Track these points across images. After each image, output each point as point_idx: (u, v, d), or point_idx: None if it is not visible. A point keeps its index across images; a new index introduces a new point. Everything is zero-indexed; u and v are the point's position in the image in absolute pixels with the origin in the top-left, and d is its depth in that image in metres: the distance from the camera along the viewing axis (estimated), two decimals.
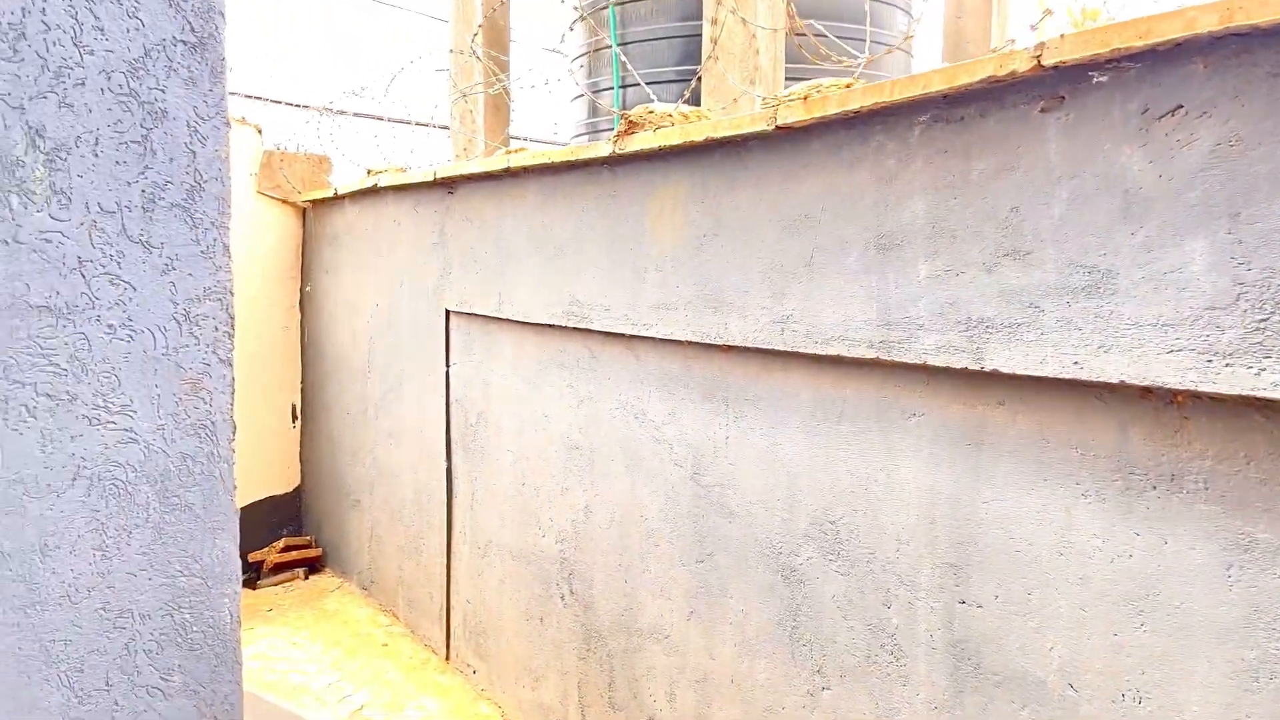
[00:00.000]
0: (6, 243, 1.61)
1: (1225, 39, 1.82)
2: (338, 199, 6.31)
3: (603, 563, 3.81)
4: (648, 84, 5.76)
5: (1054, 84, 2.11)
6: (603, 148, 3.48)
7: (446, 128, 8.36)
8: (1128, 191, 1.98)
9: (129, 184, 1.78)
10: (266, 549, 6.81)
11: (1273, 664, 1.87)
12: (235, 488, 2.00)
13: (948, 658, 2.44)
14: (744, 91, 4.02)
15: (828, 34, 4.43)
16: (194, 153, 1.88)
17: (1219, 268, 1.84)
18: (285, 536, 6.94)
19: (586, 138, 5.92)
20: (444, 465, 5.02)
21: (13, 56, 1.63)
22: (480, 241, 4.54)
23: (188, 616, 1.94)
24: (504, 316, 4.34)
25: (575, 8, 6.08)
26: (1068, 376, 2.09)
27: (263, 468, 6.92)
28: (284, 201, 6.86)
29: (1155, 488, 2.04)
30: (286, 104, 7.09)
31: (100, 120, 1.74)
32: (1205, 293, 1.86)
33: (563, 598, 4.08)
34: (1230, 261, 1.82)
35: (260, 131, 6.82)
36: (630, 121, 3.32)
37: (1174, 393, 1.98)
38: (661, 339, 3.38)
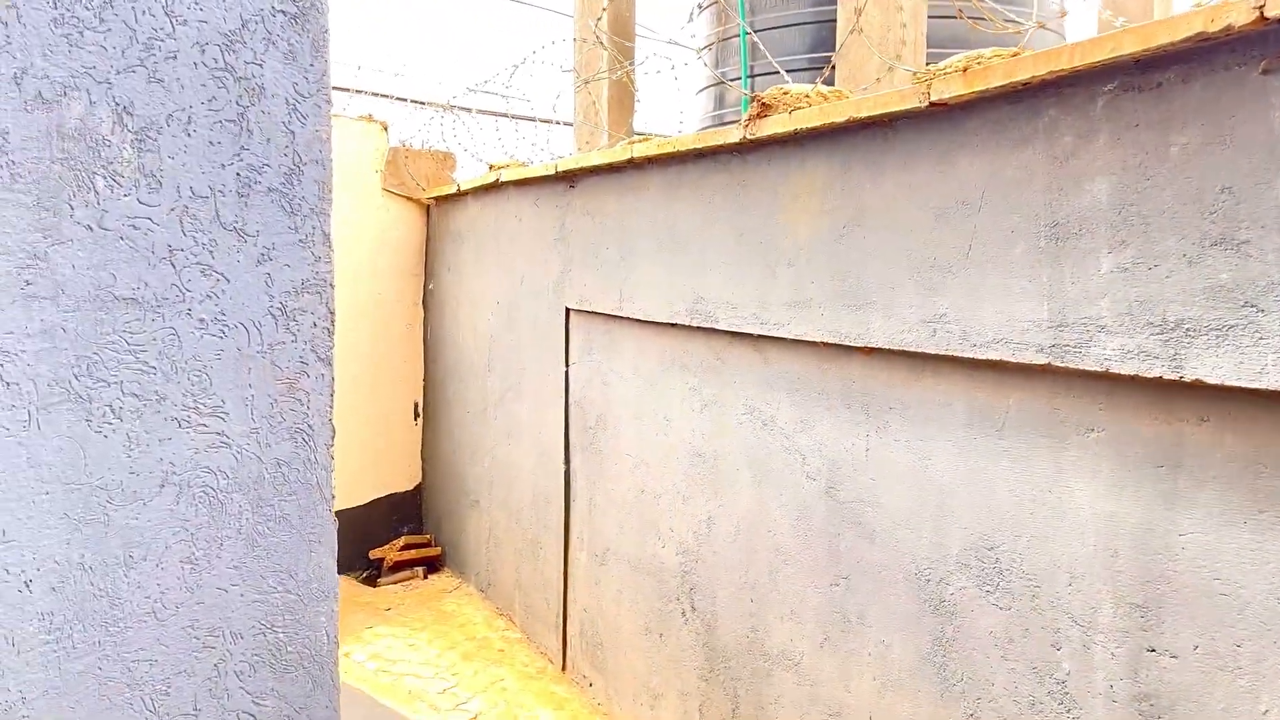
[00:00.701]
0: (91, 229, 1.49)
1: None
2: (460, 195, 6.25)
3: (727, 579, 3.56)
4: (776, 74, 5.49)
5: (1279, 40, 1.76)
6: (732, 133, 3.24)
7: (570, 124, 8.25)
8: None
9: (223, 166, 1.64)
10: (387, 546, 6.81)
11: None
12: (333, 497, 1.84)
13: (1132, 714, 2.11)
14: (885, 73, 3.71)
15: (963, 16, 4.08)
16: (293, 133, 1.73)
17: None
18: (405, 534, 6.93)
19: (713, 130, 5.68)
20: (562, 468, 4.86)
21: (99, 26, 1.49)
22: (601, 237, 4.35)
23: (282, 636, 1.79)
24: (625, 315, 4.15)
25: None
26: None
27: (384, 465, 6.93)
28: (408, 198, 6.85)
29: None
30: (412, 101, 7.08)
31: (193, 97, 1.60)
32: None
33: (683, 613, 3.85)
34: None
35: (386, 129, 6.82)
36: (763, 104, 3.07)
37: None
38: (794, 340, 3.12)
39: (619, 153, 4.01)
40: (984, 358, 2.37)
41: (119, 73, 1.52)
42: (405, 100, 7.04)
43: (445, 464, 6.66)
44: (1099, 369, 2.09)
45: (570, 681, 4.92)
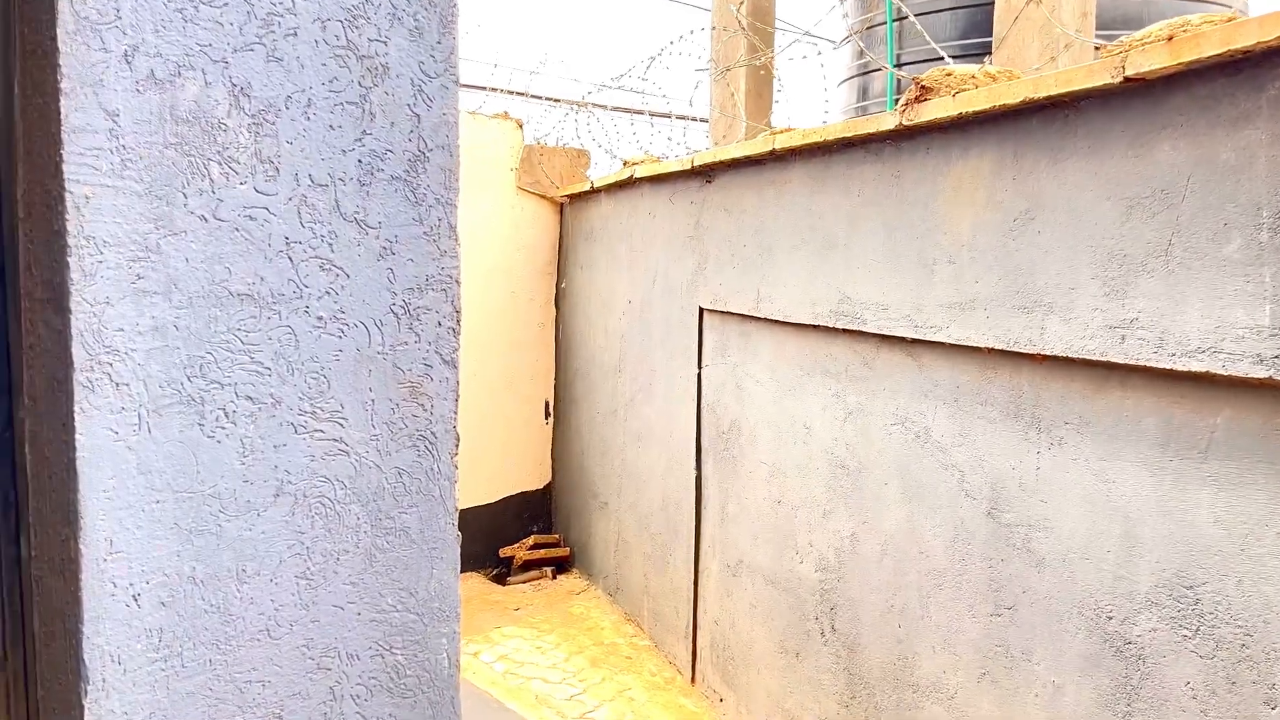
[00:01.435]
0: (205, 220, 1.38)
1: None
2: (594, 192, 6.14)
3: (871, 600, 3.31)
4: (924, 62, 5.17)
5: None
6: (886, 119, 2.99)
7: (705, 120, 8.07)
8: None
9: (344, 152, 1.52)
10: (517, 545, 6.78)
11: None
12: (456, 510, 1.71)
13: None
14: (1048, 62, 3.39)
15: None
16: (418, 116, 1.59)
17: None
18: (534, 533, 6.88)
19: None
20: (693, 474, 4.68)
21: (214, 0, 1.39)
22: (738, 233, 4.15)
23: (400, 659, 1.66)
24: (762, 315, 3.93)
25: None
26: None
27: (515, 463, 6.90)
28: (542, 197, 6.80)
29: None
30: (547, 99, 7.03)
31: (313, 77, 1.49)
32: None
33: (823, 633, 3.61)
34: None
35: (521, 126, 6.78)
36: (923, 87, 2.81)
37: None
38: (953, 344, 2.85)
39: (759, 144, 3.80)
40: (1186, 369, 2.06)
41: (236, 51, 1.41)
42: (540, 98, 6.99)
43: (575, 464, 6.57)
44: None
45: (700, 695, 4.73)
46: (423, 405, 1.64)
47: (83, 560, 1.31)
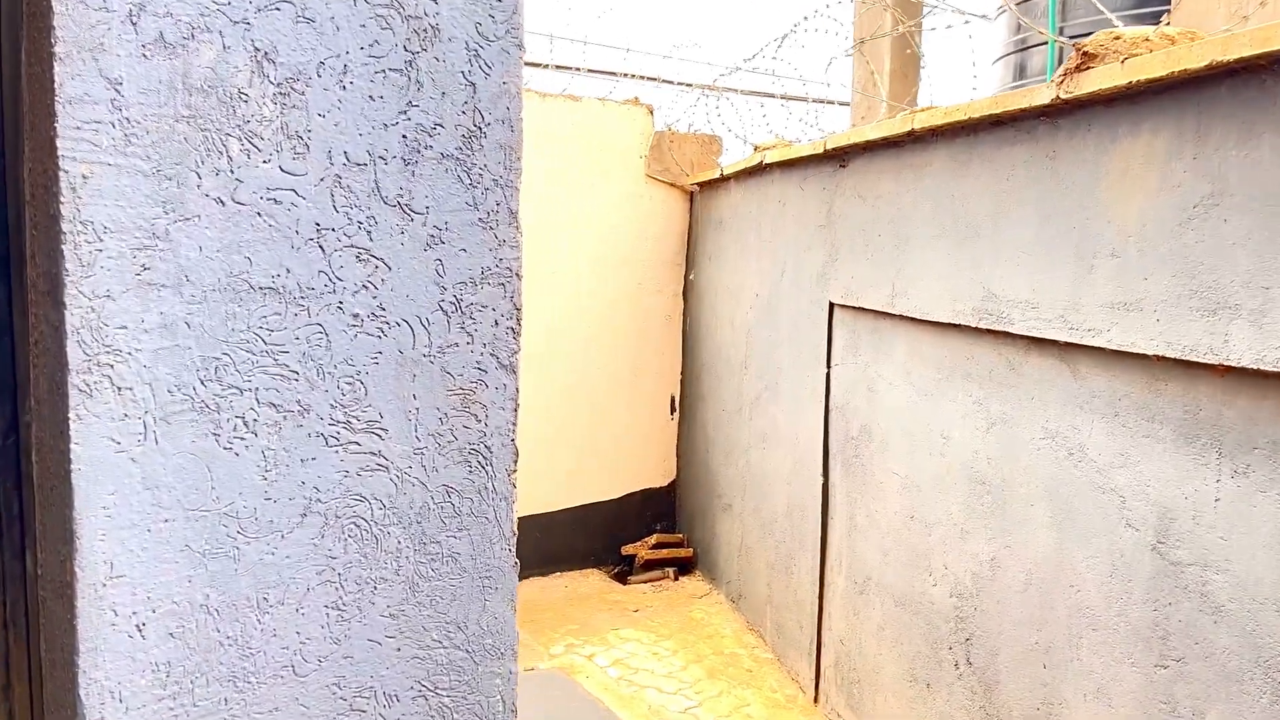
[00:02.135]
0: (222, 203, 1.21)
1: None
2: (723, 180, 5.88)
3: (1012, 635, 2.95)
4: (1086, 35, 4.69)
5: None
6: (1041, 93, 2.63)
7: (846, 103, 7.68)
8: None
9: (385, 127, 1.32)
10: (639, 543, 6.60)
11: None
12: (514, 534, 1.50)
13: None
14: (1247, 13, 2.93)
15: None
16: (473, 85, 1.39)
17: None
18: (657, 532, 6.69)
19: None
20: (819, 480, 4.37)
21: None
22: (873, 222, 3.82)
23: (447, 701, 1.47)
24: (897, 312, 3.60)
25: None
26: None
27: (638, 459, 6.72)
28: (672, 185, 6.58)
29: None
30: (679, 83, 6.80)
31: (349, 41, 1.30)
32: None
33: (956, 665, 3.27)
34: None
35: (652, 112, 6.58)
36: (1085, 54, 2.44)
37: None
38: (1114, 350, 2.48)
39: (897, 124, 3.47)
40: None
41: (259, 10, 1.23)
42: (671, 82, 6.77)
43: (700, 462, 6.35)
44: None
45: (823, 717, 4.43)
46: (476, 415, 1.43)
47: (78, 584, 1.16)
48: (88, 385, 1.14)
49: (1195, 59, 2.09)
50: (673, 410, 6.81)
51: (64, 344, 1.13)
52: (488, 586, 1.48)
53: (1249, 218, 2.04)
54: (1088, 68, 2.44)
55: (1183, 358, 2.23)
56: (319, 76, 1.27)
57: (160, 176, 1.17)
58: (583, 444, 6.46)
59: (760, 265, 5.21)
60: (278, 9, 1.24)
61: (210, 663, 1.27)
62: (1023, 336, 2.88)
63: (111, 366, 1.16)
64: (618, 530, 6.66)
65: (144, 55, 1.16)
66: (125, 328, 1.16)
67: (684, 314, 6.72)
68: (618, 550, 6.63)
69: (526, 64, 6.10)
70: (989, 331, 3.05)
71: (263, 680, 1.31)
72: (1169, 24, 3.28)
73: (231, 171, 1.21)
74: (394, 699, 1.42)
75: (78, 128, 1.12)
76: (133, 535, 1.20)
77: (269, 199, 1.24)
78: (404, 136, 1.33)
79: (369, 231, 1.32)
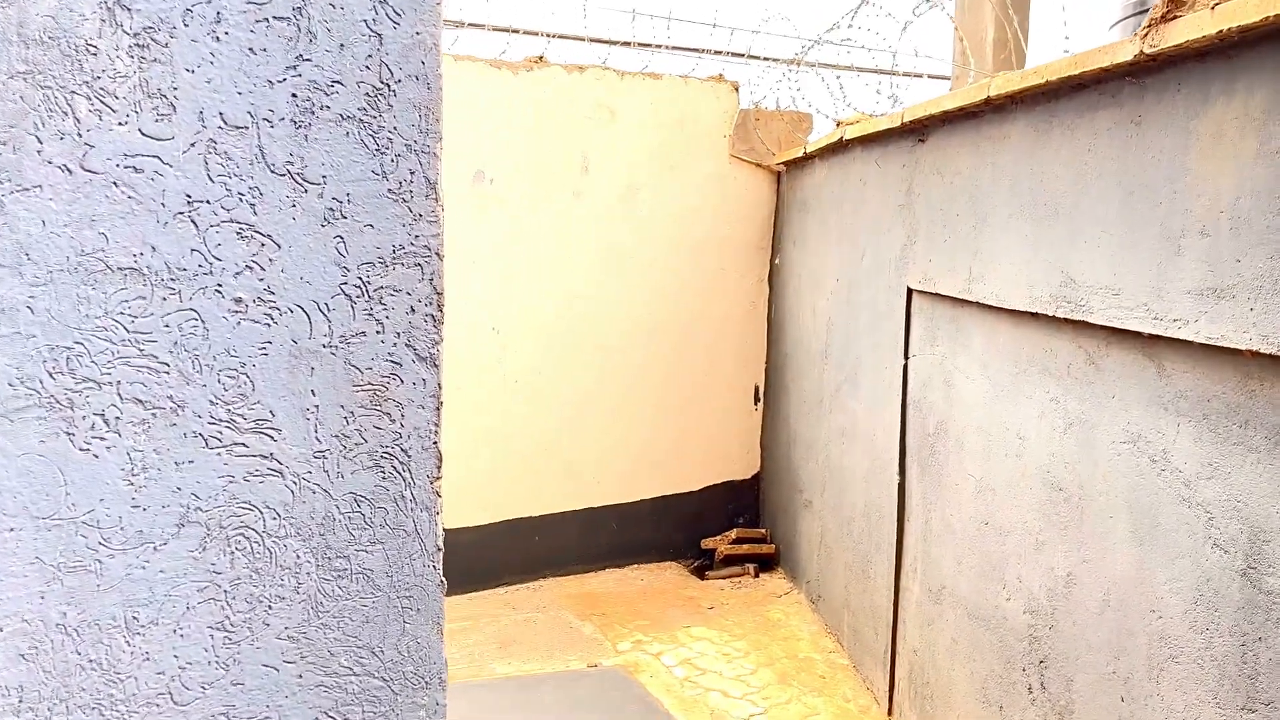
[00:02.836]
0: (69, 171, 1.07)
1: None
2: (808, 159, 5.59)
3: (1089, 661, 2.64)
4: None
5: None
6: (1123, 49, 2.30)
7: (946, 77, 7.23)
8: None
9: (270, 84, 1.16)
10: (719, 537, 6.39)
11: None
12: (440, 549, 1.32)
13: None
14: None
15: None
16: (379, 36, 1.21)
17: None
18: (739, 527, 6.46)
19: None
20: (896, 479, 4.08)
21: None
22: (950, 200, 3.50)
23: None
24: (973, 299, 3.28)
25: None
26: None
27: (720, 450, 6.49)
28: (757, 165, 6.31)
29: None
30: (765, 59, 6.50)
31: None
32: None
33: (1030, 689, 2.96)
34: None
35: (737, 89, 6.32)
36: (1171, 0, 2.11)
37: None
38: (1203, 344, 2.15)
39: (972, 92, 3.15)
40: None
41: None
42: (758, 58, 6.48)
43: (782, 455, 6.08)
44: None
45: None
46: (388, 415, 1.26)
47: None
48: None
49: None
50: (756, 400, 6.56)
51: None
52: (408, 607, 1.31)
53: None
54: (1174, 17, 2.11)
55: None
56: (185, 26, 1.11)
57: None
58: (661, 434, 6.27)
59: (841, 249, 4.92)
60: None
61: (70, 688, 1.13)
62: (1103, 327, 2.55)
63: None
64: (698, 523, 6.46)
65: None
66: None
67: (769, 301, 6.45)
68: (697, 544, 6.43)
69: (604, 41, 5.91)
70: (1068, 321, 2.72)
71: (134, 709, 1.17)
72: None
73: (79, 135, 1.07)
74: None
75: None
76: None
77: (127, 167, 1.09)
78: (294, 95, 1.16)
79: (252, 204, 1.16)
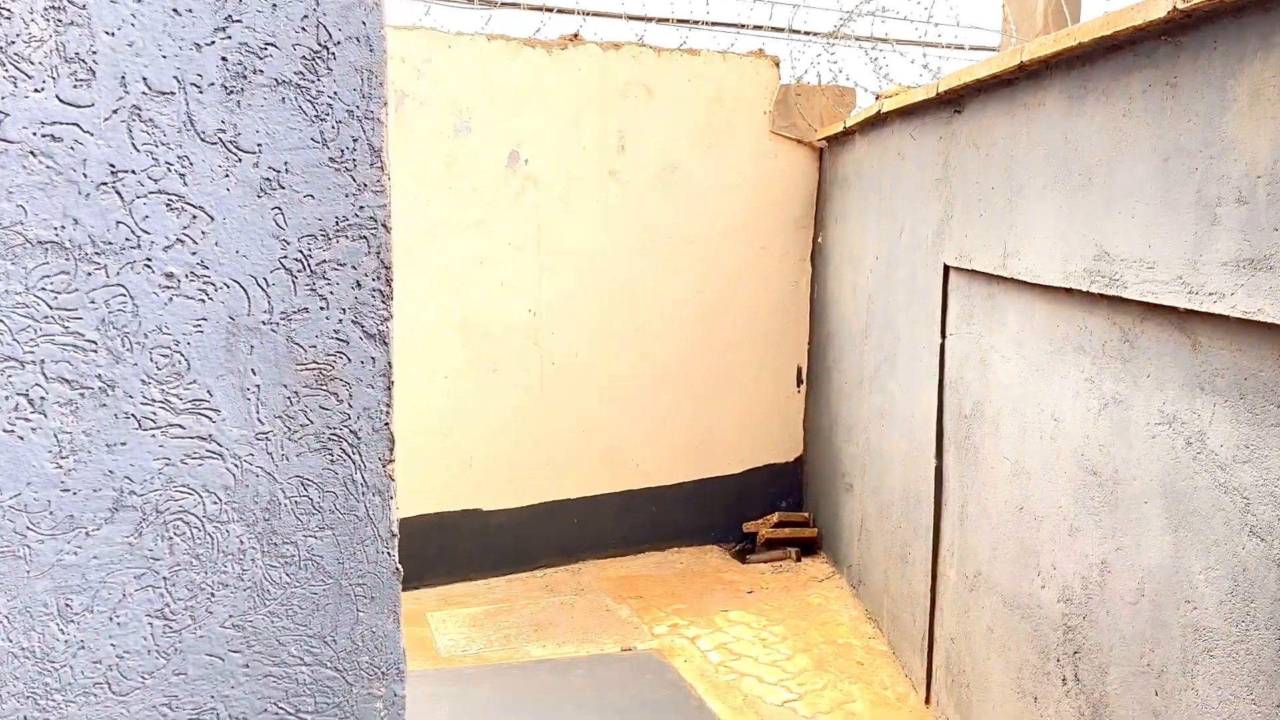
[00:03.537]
0: None
1: None
2: (848, 134, 5.45)
3: (1122, 654, 2.52)
4: None
5: None
6: (1156, 5, 2.16)
7: (993, 49, 6.99)
8: None
9: (198, 47, 1.11)
10: (761, 521, 6.30)
11: None
12: (395, 534, 1.27)
13: None
14: None
15: None
16: None
17: None
18: (782, 510, 6.36)
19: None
20: (933, 463, 3.95)
21: None
22: (985, 173, 3.36)
23: None
24: (1008, 275, 3.15)
25: None
26: None
27: (762, 432, 6.40)
28: (799, 141, 6.17)
29: None
30: (806, 33, 6.35)
31: None
32: None
33: (1064, 680, 2.84)
34: None
35: (777, 65, 6.18)
36: None
37: None
38: (1240, 318, 2.01)
39: (1006, 58, 3.01)
40: None
41: None
42: (799, 32, 6.32)
43: (825, 439, 5.97)
44: None
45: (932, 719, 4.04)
46: (335, 395, 1.21)
47: None
48: None
49: None
50: (799, 382, 6.44)
51: None
52: (361, 595, 1.26)
53: None
54: None
55: None
56: None
57: None
58: (702, 416, 6.19)
59: (880, 225, 4.78)
60: None
61: (2, 676, 1.10)
62: (1137, 303, 2.41)
63: None
64: (740, 506, 6.38)
65: None
66: None
67: (812, 280, 6.32)
68: (739, 528, 6.35)
69: (641, 18, 5.80)
70: (1102, 297, 2.59)
71: (70, 698, 1.14)
72: None
73: None
74: None
75: None
76: None
77: (45, 135, 1.05)
78: (224, 59, 1.11)
79: (182, 175, 1.11)
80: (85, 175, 1.07)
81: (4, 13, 1.03)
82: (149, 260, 1.10)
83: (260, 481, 1.19)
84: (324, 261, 1.18)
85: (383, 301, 1.22)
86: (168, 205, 1.11)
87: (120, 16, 1.07)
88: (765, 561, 6.07)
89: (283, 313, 1.17)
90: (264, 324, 1.16)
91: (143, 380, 1.12)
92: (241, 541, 1.19)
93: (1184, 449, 2.26)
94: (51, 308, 1.07)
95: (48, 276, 1.07)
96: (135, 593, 1.15)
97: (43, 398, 1.08)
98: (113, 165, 1.08)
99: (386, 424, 1.24)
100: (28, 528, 1.09)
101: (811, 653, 4.77)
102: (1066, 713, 2.83)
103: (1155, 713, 2.37)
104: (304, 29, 1.14)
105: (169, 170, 1.10)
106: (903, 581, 4.45)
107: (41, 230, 1.06)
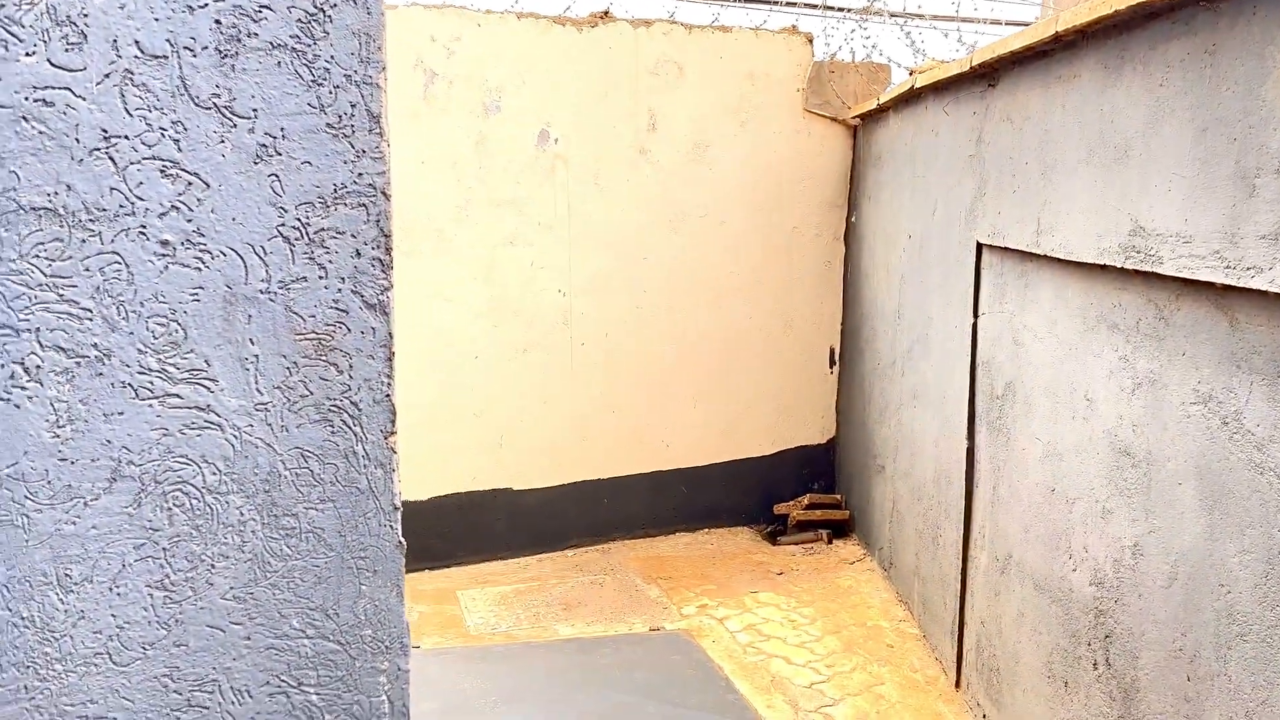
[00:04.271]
0: None
1: None
2: (882, 111, 5.36)
3: (1155, 638, 2.46)
4: None
5: None
6: None
7: (1030, 24, 6.83)
8: None
9: (191, 10, 1.09)
10: (792, 502, 6.26)
11: None
12: (398, 508, 1.26)
13: None
14: None
15: None
16: None
17: None
18: (811, 492, 6.32)
19: None
20: (964, 444, 3.89)
21: None
22: (1019, 148, 3.29)
23: (315, 699, 1.26)
24: (1041, 252, 3.08)
25: None
26: None
27: (793, 414, 6.35)
28: (832, 119, 6.08)
29: None
30: (840, 9, 6.24)
31: None
32: None
33: (1095, 665, 2.79)
34: None
35: (811, 41, 6.08)
36: None
37: None
38: (1278, 294, 1.94)
39: (1041, 29, 2.93)
40: None
41: None
42: (832, 8, 6.23)
43: (857, 420, 5.91)
44: None
45: (962, 705, 3.99)
46: (335, 365, 1.20)
47: None
48: None
49: None
50: (832, 363, 6.38)
51: None
52: (363, 569, 1.25)
53: None
54: None
55: None
56: None
57: None
58: (733, 397, 6.16)
59: (913, 203, 4.70)
60: None
61: (2, 645, 1.11)
62: (1173, 278, 2.34)
63: None
64: (771, 488, 6.34)
65: None
66: None
67: (845, 260, 6.24)
68: (770, 509, 6.31)
69: None
70: (1137, 273, 2.51)
71: (70, 668, 1.14)
72: None
73: None
74: (244, 694, 1.22)
75: None
76: None
77: (36, 100, 1.04)
78: (217, 22, 1.10)
79: (176, 140, 1.10)
80: (78, 140, 1.06)
81: None
82: (144, 227, 1.10)
83: (260, 452, 1.18)
84: (322, 229, 1.17)
85: (382, 271, 1.21)
86: (162, 171, 1.10)
87: None
88: (796, 543, 6.03)
89: (281, 282, 1.16)
90: (262, 293, 1.15)
91: (139, 349, 1.11)
92: (241, 513, 1.18)
93: (1220, 428, 2.19)
94: (46, 275, 1.07)
95: (41, 243, 1.06)
96: (135, 563, 1.15)
97: (39, 366, 1.08)
98: (105, 130, 1.07)
99: (388, 395, 1.23)
100: (26, 497, 1.09)
101: (841, 635, 4.73)
102: (1097, 697, 2.78)
103: (1187, 698, 2.31)
104: None
105: (163, 135, 1.09)
106: (933, 564, 4.40)
107: (35, 196, 1.05)
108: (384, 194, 1.19)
